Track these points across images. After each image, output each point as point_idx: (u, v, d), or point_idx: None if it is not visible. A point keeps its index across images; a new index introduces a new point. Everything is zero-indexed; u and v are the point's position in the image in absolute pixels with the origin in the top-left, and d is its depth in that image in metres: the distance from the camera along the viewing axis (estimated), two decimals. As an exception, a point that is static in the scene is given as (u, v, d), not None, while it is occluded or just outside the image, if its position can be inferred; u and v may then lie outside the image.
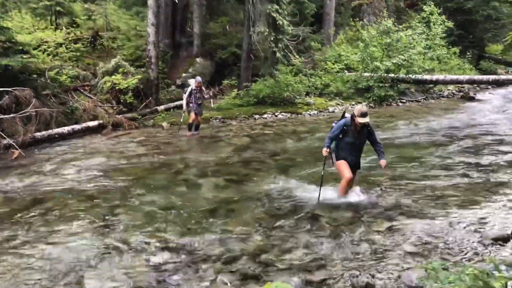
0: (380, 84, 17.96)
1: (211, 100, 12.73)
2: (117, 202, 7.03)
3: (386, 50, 18.74)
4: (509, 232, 5.40)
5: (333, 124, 6.83)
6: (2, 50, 11.75)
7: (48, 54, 16.22)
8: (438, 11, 22.48)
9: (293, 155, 10.08)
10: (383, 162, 6.53)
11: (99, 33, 18.98)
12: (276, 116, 15.54)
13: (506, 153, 9.60)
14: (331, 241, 5.43)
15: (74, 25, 19.48)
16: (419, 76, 18.60)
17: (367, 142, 6.70)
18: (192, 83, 12.28)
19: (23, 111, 11.19)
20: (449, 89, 21.02)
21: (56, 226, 6.06)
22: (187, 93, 12.12)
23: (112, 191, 7.64)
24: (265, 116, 15.43)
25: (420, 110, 16.71)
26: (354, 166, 6.74)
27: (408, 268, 4.60)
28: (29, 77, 12.56)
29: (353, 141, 6.59)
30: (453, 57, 23.62)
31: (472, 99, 18.77)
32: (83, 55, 17.56)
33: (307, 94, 17.58)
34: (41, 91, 12.56)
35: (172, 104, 15.81)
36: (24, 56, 12.17)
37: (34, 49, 15.38)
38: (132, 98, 14.64)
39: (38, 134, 11.45)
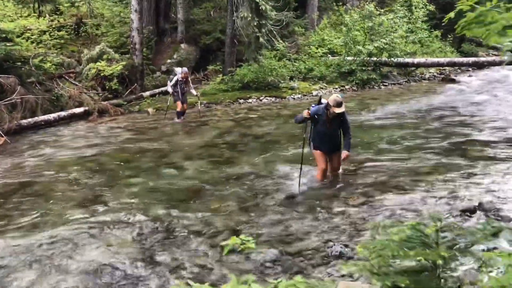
0: (363, 68, 18.27)
1: (198, 96, 12.86)
2: (104, 184, 7.25)
3: (369, 34, 19.02)
4: (476, 204, 5.75)
5: (311, 107, 6.83)
6: (-15, 38, 11.80)
7: (32, 42, 16.20)
8: (420, -6, 22.77)
9: (276, 138, 10.35)
10: (345, 153, 6.60)
11: (83, 20, 18.95)
12: (260, 100, 15.78)
13: (478, 132, 10.00)
14: (309, 216, 5.72)
15: (58, 12, 19.41)
16: (401, 60, 18.94)
17: None
18: (179, 71, 12.25)
19: (8, 98, 11.29)
20: (430, 72, 21.41)
21: (43, 208, 6.27)
22: (172, 82, 12.16)
23: (99, 174, 7.85)
24: (249, 100, 15.66)
25: (401, 92, 17.06)
26: (332, 151, 6.81)
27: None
28: (13, 65, 12.61)
29: (325, 130, 6.60)
30: (435, 40, 23.98)
31: (452, 81, 19.17)
32: (67, 43, 17.57)
33: (291, 78, 17.83)
34: (26, 79, 12.64)
35: (157, 90, 15.97)
36: (8, 44, 12.23)
37: (18, 36, 15.31)
38: (117, 84, 14.75)
39: (24, 121, 11.56)
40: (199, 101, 13.17)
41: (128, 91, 15.06)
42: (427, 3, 22.40)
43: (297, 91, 16.86)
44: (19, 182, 7.47)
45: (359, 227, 5.33)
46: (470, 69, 21.91)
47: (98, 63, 14.96)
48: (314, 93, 16.98)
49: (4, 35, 12.46)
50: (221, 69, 18.33)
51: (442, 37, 24.46)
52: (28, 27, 17.09)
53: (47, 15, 18.78)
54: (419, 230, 1.88)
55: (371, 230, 4.29)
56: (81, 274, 4.38)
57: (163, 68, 17.97)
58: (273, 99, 16.01)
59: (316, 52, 19.97)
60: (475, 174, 7.11)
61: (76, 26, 18.47)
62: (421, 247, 1.82)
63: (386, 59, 18.69)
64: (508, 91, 15.53)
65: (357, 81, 18.04)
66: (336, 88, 17.75)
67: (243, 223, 5.57)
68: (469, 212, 5.65)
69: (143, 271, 4.43)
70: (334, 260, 4.51)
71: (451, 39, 24.93)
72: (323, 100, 6.78)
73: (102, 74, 14.70)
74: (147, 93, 15.45)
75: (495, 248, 4.13)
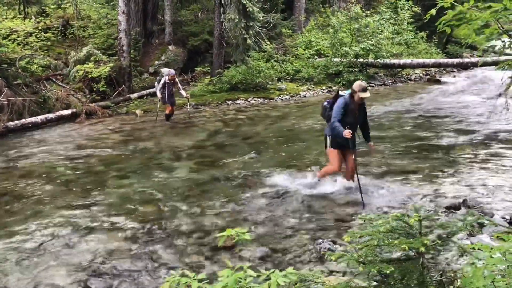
0: (350, 69, 18.44)
1: (188, 98, 12.84)
2: (92, 186, 7.26)
3: (355, 36, 19.21)
4: (460, 201, 5.89)
5: (325, 104, 6.44)
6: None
7: (18, 44, 16.06)
8: (405, -4, 23.07)
9: (264, 138, 10.44)
10: (373, 145, 6.49)
11: (70, 22, 18.85)
12: (248, 101, 15.85)
13: (462, 131, 10.20)
14: (297, 214, 5.82)
15: (44, 14, 19.29)
16: (387, 61, 19.17)
17: None
18: (166, 72, 12.21)
19: (-5, 100, 11.22)
20: (416, 73, 21.68)
21: (31, 209, 6.26)
22: (160, 84, 12.11)
23: (87, 176, 7.86)
24: (238, 102, 15.72)
25: (388, 93, 17.27)
26: (353, 147, 6.25)
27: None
28: (-1, 66, 12.54)
29: (353, 121, 6.10)
30: (421, 41, 24.28)
31: (438, 82, 19.47)
32: (54, 44, 17.46)
33: (279, 79, 17.95)
34: (13, 81, 12.56)
35: (145, 92, 15.93)
36: (-6, 46, 12.16)
37: (3, 38, 15.27)
38: (105, 86, 14.69)
39: (10, 123, 11.46)
40: (188, 103, 13.18)
41: (115, 93, 15.02)
42: (412, 5, 22.69)
43: (285, 92, 16.97)
44: (5, 185, 7.43)
45: (347, 224, 5.43)
46: (455, 70, 22.24)
47: (85, 65, 14.90)
48: (302, 94, 17.11)
49: (-11, 37, 12.39)
50: (209, 71, 18.38)
51: (428, 39, 24.78)
52: (14, 29, 16.96)
53: (33, 16, 18.64)
54: (403, 221, 1.97)
55: (360, 223, 4.38)
56: (71, 272, 4.41)
57: (151, 69, 17.96)
58: (261, 100, 16.09)
59: (303, 54, 20.12)
60: (460, 173, 7.28)
61: (62, 28, 18.37)
62: (405, 237, 1.90)
63: (373, 60, 18.90)
64: (489, 91, 15.85)
65: (344, 82, 18.19)
66: (324, 89, 17.92)
67: (232, 222, 5.63)
68: (453, 208, 5.79)
69: (134, 268, 4.47)
70: (323, 257, 4.59)
71: (436, 40, 25.27)
72: (342, 93, 6.33)
73: (89, 76, 14.65)
74: (135, 95, 15.43)
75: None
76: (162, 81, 12.06)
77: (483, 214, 5.38)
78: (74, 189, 7.14)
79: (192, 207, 6.19)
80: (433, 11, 2.38)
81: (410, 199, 6.19)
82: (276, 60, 18.81)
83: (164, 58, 18.37)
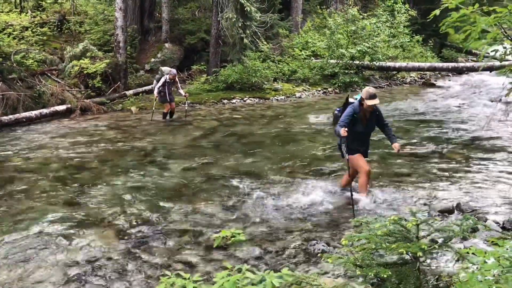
0: (346, 71, 18.46)
1: (186, 97, 12.77)
2: (86, 182, 7.22)
3: (352, 38, 19.24)
4: (454, 205, 5.92)
5: (336, 112, 6.37)
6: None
7: (14, 38, 15.98)
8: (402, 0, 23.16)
9: (259, 138, 10.43)
10: (396, 145, 6.10)
11: (66, 17, 18.75)
12: (244, 101, 15.85)
13: (456, 135, 10.25)
14: (292, 215, 5.82)
15: (40, 9, 19.18)
16: (383, 63, 19.21)
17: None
18: (167, 71, 12.09)
19: (-11, 94, 11.16)
20: (411, 76, 21.77)
21: (26, 204, 6.23)
22: (160, 83, 12.03)
23: (81, 172, 7.82)
24: (233, 101, 15.72)
25: (383, 96, 17.28)
26: (365, 155, 6.25)
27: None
28: (-6, 60, 12.47)
29: (362, 130, 6.05)
30: (416, 45, 24.38)
31: (432, 85, 19.56)
32: (50, 39, 17.36)
33: (275, 80, 17.95)
34: (7, 75, 12.49)
35: (140, 89, 15.90)
36: (-11, 39, 12.08)
37: (-1, 32, 15.19)
38: (101, 82, 14.65)
39: (4, 118, 11.41)
40: (186, 101, 13.12)
41: (111, 90, 14.97)
42: (409, 9, 22.78)
43: (281, 92, 16.98)
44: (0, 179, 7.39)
45: (341, 226, 5.44)
46: (449, 74, 22.34)
47: (81, 61, 14.83)
48: (297, 94, 17.13)
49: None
50: (205, 69, 18.35)
51: (423, 42, 24.88)
52: (9, 23, 16.86)
53: (29, 11, 18.53)
54: (400, 224, 1.97)
55: (355, 227, 4.40)
56: (64, 270, 4.39)
57: (147, 67, 17.91)
58: (256, 100, 16.09)
59: (299, 54, 20.14)
60: (453, 177, 7.30)
61: (59, 23, 18.27)
62: (402, 241, 1.91)
63: (368, 62, 18.93)
64: (483, 95, 15.95)
65: (339, 84, 18.24)
66: (319, 90, 17.94)
67: (226, 222, 5.63)
68: (447, 212, 5.82)
69: (127, 267, 4.46)
70: (317, 258, 4.60)
71: (431, 44, 25.39)
72: (352, 100, 6.25)
73: (85, 71, 14.59)
74: (131, 92, 15.38)
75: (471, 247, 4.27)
76: (162, 80, 11.97)
77: (477, 219, 5.40)
78: (67, 185, 7.10)
79: (186, 206, 6.17)
80: (437, 11, 2.39)
81: (404, 202, 6.20)
82: (272, 60, 18.82)
83: (160, 55, 18.32)
